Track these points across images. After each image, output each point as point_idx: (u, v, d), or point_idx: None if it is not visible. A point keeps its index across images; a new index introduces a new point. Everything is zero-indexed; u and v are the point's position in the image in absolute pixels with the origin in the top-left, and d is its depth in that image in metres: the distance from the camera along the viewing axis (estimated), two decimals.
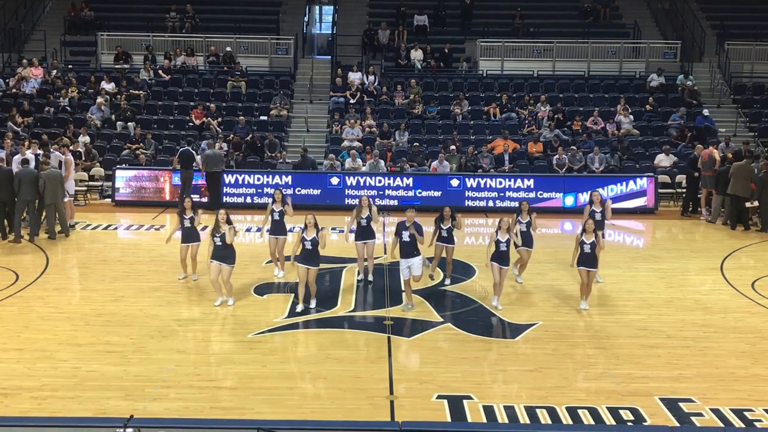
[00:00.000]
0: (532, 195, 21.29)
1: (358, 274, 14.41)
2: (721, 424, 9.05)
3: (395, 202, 21.37)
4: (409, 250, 12.72)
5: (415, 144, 23.44)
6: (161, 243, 15.63)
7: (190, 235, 13.97)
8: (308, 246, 12.63)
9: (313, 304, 12.89)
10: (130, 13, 30.13)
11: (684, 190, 21.95)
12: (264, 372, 10.43)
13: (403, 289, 13.21)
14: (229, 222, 12.64)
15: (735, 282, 14.80)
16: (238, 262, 13.09)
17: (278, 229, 14.27)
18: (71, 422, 7.62)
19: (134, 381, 9.99)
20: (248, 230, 18.65)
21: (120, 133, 24.35)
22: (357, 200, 14.18)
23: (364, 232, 14.03)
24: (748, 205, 19.12)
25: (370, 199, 14.22)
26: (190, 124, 24.79)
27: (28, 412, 8.96)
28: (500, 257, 12.86)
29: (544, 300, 13.52)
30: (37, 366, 10.40)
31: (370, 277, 14.27)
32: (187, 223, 13.88)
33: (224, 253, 12.66)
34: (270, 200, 14.44)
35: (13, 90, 25.56)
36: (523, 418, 9.15)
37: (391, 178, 21.54)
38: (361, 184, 21.42)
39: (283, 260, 14.56)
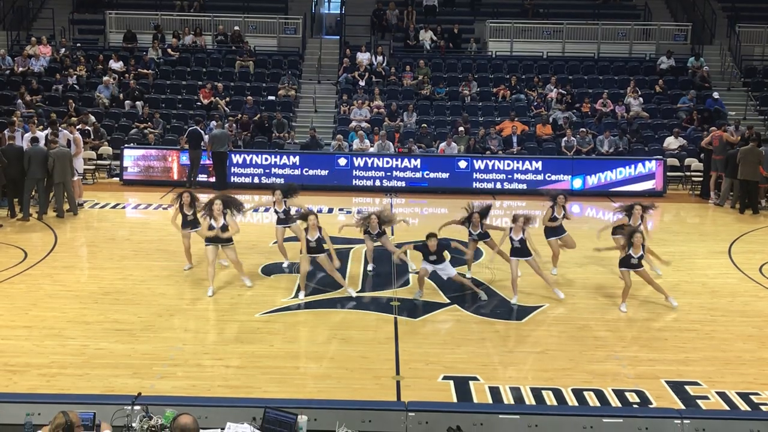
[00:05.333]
0: (540, 177, 21.27)
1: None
2: (727, 408, 9.08)
3: (403, 184, 21.34)
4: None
5: (423, 125, 23.38)
6: (169, 222, 15.65)
7: (192, 223, 13.59)
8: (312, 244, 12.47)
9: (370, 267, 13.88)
10: None
11: (694, 173, 21.92)
12: (271, 351, 10.48)
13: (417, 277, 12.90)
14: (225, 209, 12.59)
15: (743, 266, 14.77)
16: (245, 242, 13.10)
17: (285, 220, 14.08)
18: (79, 399, 7.66)
19: (142, 359, 10.06)
20: (255, 211, 18.64)
21: (128, 112, 24.34)
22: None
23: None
24: None
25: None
26: (198, 103, 24.76)
27: (36, 389, 9.04)
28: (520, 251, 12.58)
29: (552, 282, 13.49)
30: (45, 343, 10.47)
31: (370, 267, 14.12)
32: (190, 217, 13.54)
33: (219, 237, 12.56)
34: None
35: (20, 69, 25.51)
36: (529, 400, 9.19)
37: (399, 160, 21.50)
38: (369, 165, 21.38)
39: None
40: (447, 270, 12.60)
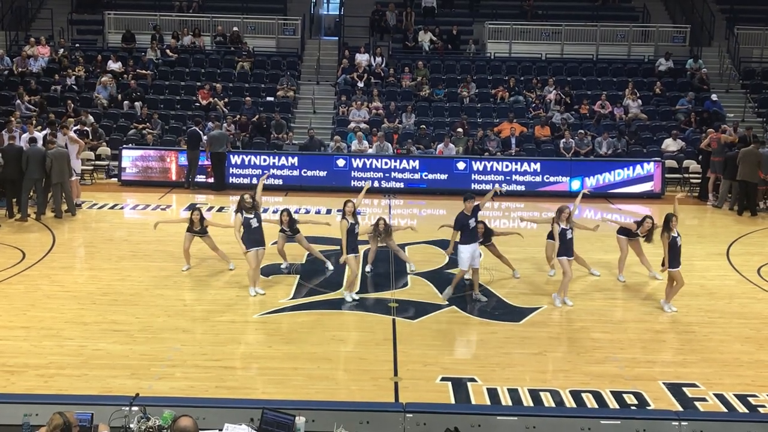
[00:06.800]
0: (538, 179, 21.29)
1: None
2: (725, 410, 9.08)
3: (401, 185, 21.35)
4: (475, 236, 12.62)
5: (421, 126, 23.38)
6: (167, 223, 15.67)
7: (198, 231, 13.75)
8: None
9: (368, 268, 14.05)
10: None
11: (692, 175, 21.95)
12: (269, 352, 10.48)
13: (468, 277, 12.88)
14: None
15: (741, 267, 14.78)
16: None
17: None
18: (77, 400, 7.66)
19: (140, 360, 10.05)
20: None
21: (126, 113, 24.33)
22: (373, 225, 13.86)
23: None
24: None
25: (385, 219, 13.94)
26: (197, 104, 24.75)
27: (34, 390, 9.03)
28: (567, 249, 12.50)
29: (550, 284, 13.49)
30: (43, 344, 10.46)
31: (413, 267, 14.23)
32: (197, 228, 13.67)
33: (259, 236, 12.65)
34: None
35: (19, 69, 25.49)
36: (527, 401, 9.19)
37: (398, 161, 21.50)
38: (368, 166, 21.38)
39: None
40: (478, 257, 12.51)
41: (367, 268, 14.04)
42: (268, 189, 20.93)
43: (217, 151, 20.74)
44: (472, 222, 12.42)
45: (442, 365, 10.14)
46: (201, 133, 21.07)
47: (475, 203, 12.51)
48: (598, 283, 13.70)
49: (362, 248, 14.46)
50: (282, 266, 13.99)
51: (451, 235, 12.68)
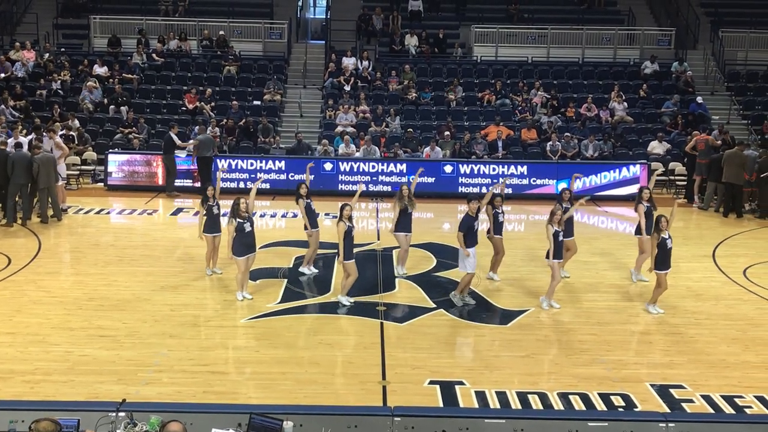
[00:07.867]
0: (525, 181, 21.33)
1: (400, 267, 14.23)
2: (712, 411, 9.13)
3: (389, 188, 21.31)
4: (476, 238, 12.65)
5: (408, 130, 23.39)
6: (154, 227, 15.62)
7: (215, 225, 13.60)
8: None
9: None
10: None
11: (678, 177, 22.05)
12: (257, 357, 10.46)
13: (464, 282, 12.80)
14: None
15: (727, 269, 14.86)
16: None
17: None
18: (64, 406, 7.62)
19: (127, 365, 10.01)
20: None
21: (112, 117, 24.22)
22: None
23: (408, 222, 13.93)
24: None
25: (409, 188, 13.97)
26: (183, 108, 24.69)
27: (20, 396, 8.98)
28: (559, 251, 12.40)
29: (537, 286, 13.51)
30: (29, 350, 10.41)
31: (404, 270, 14.17)
32: (215, 210, 13.50)
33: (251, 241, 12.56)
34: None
35: (1, 75, 25.33)
36: (515, 404, 9.21)
37: (385, 164, 21.50)
38: (355, 169, 21.37)
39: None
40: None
41: (401, 270, 14.03)
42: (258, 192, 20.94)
43: (204, 155, 20.66)
44: (476, 224, 12.50)
45: (430, 368, 10.15)
46: (174, 137, 20.79)
47: (479, 205, 12.64)
48: (585, 285, 13.73)
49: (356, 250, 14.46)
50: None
51: (458, 238, 12.50)
